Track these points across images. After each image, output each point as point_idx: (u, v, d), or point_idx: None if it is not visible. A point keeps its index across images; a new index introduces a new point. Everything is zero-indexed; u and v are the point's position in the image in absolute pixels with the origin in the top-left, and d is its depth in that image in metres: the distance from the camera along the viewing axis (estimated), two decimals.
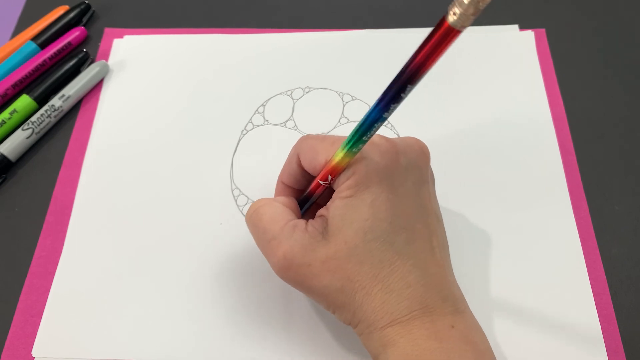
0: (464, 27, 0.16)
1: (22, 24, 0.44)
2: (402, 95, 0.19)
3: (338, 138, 0.25)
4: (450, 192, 0.34)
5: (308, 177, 0.27)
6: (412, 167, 0.25)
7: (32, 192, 0.36)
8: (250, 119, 0.38)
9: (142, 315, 0.31)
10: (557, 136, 0.36)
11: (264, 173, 0.36)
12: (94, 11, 0.44)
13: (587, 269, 0.31)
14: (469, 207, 0.34)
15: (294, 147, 0.27)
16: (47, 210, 0.35)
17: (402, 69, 0.19)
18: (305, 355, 0.29)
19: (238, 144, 0.37)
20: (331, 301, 0.24)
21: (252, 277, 0.32)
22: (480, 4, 0.15)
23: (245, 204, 0.34)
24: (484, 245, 0.32)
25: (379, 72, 0.40)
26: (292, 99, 0.39)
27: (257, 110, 0.38)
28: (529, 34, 0.41)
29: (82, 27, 0.43)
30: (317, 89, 0.39)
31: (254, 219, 0.27)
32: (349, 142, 0.23)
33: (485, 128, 0.37)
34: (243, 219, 0.34)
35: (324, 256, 0.24)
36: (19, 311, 0.31)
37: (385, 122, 0.37)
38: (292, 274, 0.25)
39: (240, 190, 0.35)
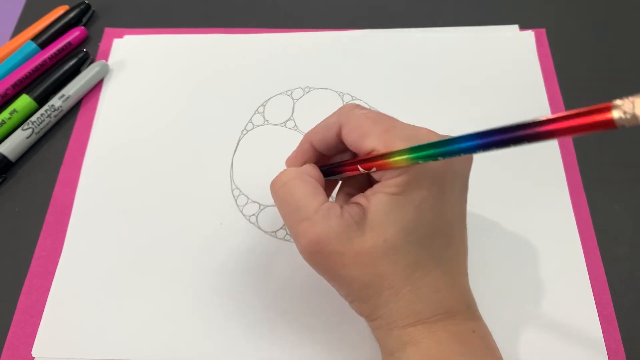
0: (621, 126, 0.14)
1: (22, 24, 0.44)
2: (512, 145, 0.18)
3: (392, 124, 0.24)
4: None
5: (342, 147, 0.26)
6: (460, 172, 0.25)
7: (32, 192, 0.36)
8: (251, 119, 0.38)
9: (142, 315, 0.31)
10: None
11: (264, 173, 0.35)
12: (94, 11, 0.44)
13: (587, 269, 0.31)
14: (468, 207, 0.34)
15: (336, 114, 0.26)
16: (47, 210, 0.35)
17: (528, 123, 0.17)
18: (307, 354, 0.29)
19: (238, 144, 0.37)
20: (354, 292, 0.24)
21: (252, 277, 0.32)
22: None
23: (245, 204, 0.34)
24: (484, 245, 0.32)
25: (379, 72, 0.40)
26: (292, 99, 0.39)
27: (257, 110, 0.38)
28: (529, 34, 0.41)
29: (82, 27, 0.43)
30: (317, 89, 0.39)
31: (284, 193, 0.25)
32: (418, 151, 0.21)
33: (484, 128, 0.37)
34: (243, 219, 0.34)
35: (358, 248, 0.23)
36: (19, 311, 0.31)
37: None
38: (320, 259, 0.24)
39: (240, 190, 0.35)
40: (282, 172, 0.26)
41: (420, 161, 0.21)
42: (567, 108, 0.37)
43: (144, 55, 0.42)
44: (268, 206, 0.34)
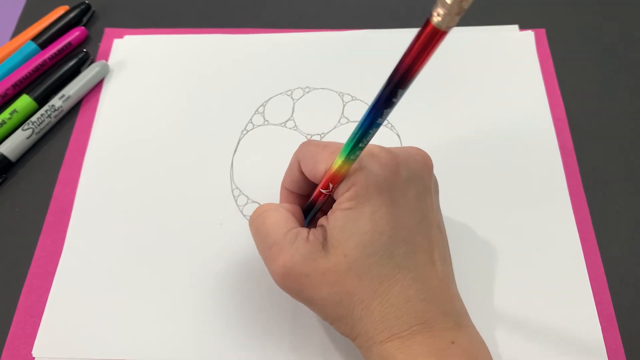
0: (449, 27, 0.16)
1: (22, 24, 0.44)
2: (394, 100, 0.19)
3: (338, 146, 0.25)
4: (450, 192, 0.34)
5: (311, 184, 0.27)
6: (413, 178, 0.25)
7: (32, 192, 0.36)
8: (251, 119, 0.38)
9: (142, 315, 0.31)
10: (557, 136, 0.36)
11: (264, 173, 0.36)
12: (94, 11, 0.44)
13: (587, 269, 0.31)
14: (468, 208, 0.34)
15: (295, 153, 0.27)
16: (47, 210, 0.35)
17: (392, 73, 0.19)
18: (307, 354, 0.29)
19: (238, 144, 0.37)
20: (329, 313, 0.24)
21: (253, 277, 0.32)
22: (464, 3, 0.15)
23: (245, 204, 0.34)
24: (484, 245, 0.32)
25: (379, 72, 0.39)
26: (292, 99, 0.39)
27: (257, 110, 0.38)
28: (529, 34, 0.41)
29: (82, 27, 0.43)
30: (317, 89, 0.39)
31: (258, 222, 0.26)
32: (345, 149, 0.22)
33: (484, 128, 0.37)
34: (243, 219, 0.34)
35: (323, 268, 0.23)
36: (19, 311, 0.31)
37: (385, 122, 0.37)
38: (290, 282, 0.24)
39: (240, 190, 0.35)
40: (259, 206, 0.27)
41: (351, 156, 0.22)
42: (567, 108, 0.37)
43: (144, 56, 0.42)
44: None
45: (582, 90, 0.39)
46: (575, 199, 0.34)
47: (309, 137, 0.37)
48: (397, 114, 0.37)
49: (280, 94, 0.39)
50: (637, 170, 0.35)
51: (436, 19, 0.16)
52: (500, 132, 0.37)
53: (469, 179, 0.35)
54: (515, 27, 0.42)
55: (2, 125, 0.37)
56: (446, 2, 0.15)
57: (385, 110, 0.20)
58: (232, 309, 0.31)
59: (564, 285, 0.31)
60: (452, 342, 0.23)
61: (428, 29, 0.16)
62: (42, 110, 0.38)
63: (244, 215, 0.34)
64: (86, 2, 0.44)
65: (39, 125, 0.37)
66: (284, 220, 0.25)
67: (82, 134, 0.38)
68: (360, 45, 0.41)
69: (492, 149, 0.36)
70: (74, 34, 0.42)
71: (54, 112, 0.38)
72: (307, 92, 0.39)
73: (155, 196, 0.35)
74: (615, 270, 0.32)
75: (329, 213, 0.25)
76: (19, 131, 0.37)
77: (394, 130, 0.37)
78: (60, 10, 0.44)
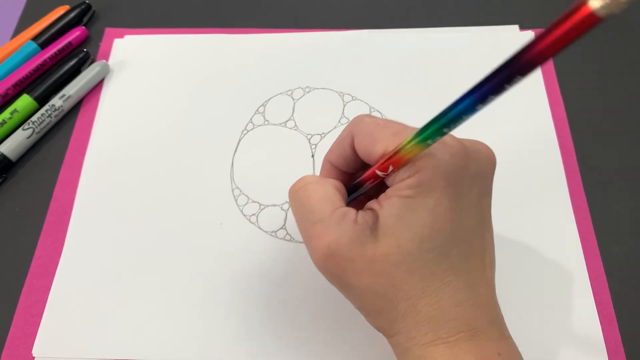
0: (610, 14, 0.13)
1: (23, 23, 0.44)
2: (507, 86, 0.16)
3: (402, 127, 0.23)
4: None
5: (359, 162, 0.25)
6: (479, 175, 0.23)
7: (33, 192, 0.36)
8: (251, 119, 0.38)
9: (142, 315, 0.31)
10: (558, 136, 0.36)
11: (264, 173, 0.36)
12: (94, 11, 0.44)
13: (587, 269, 0.31)
14: None
15: (348, 126, 0.25)
16: (47, 210, 0.35)
17: (514, 56, 0.15)
18: (307, 354, 0.29)
19: (238, 144, 0.37)
20: (367, 304, 0.23)
21: (252, 276, 0.32)
22: None
23: (246, 204, 0.34)
24: None
25: (379, 72, 0.40)
26: (293, 98, 0.39)
27: (257, 110, 0.38)
28: (529, 34, 0.41)
29: (83, 27, 0.43)
30: (317, 89, 0.39)
31: (301, 195, 0.24)
32: (424, 131, 0.20)
33: (484, 128, 0.37)
34: (243, 219, 0.34)
35: (371, 255, 0.21)
36: (19, 311, 0.31)
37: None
38: (332, 265, 0.22)
39: (240, 190, 0.35)
40: (302, 177, 0.25)
41: (428, 141, 0.20)
42: (567, 108, 0.37)
43: (145, 56, 0.42)
44: (268, 206, 0.34)
45: (582, 90, 0.39)
46: (575, 199, 0.34)
47: (309, 137, 0.37)
48: (396, 114, 0.38)
49: (281, 93, 0.39)
50: (637, 170, 0.35)
51: (597, 2, 0.12)
52: (501, 132, 0.37)
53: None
54: (516, 27, 0.42)
55: (2, 125, 0.37)
56: None
57: (491, 97, 0.17)
58: (232, 308, 0.31)
59: (564, 285, 0.31)
60: (499, 354, 0.21)
61: (582, 14, 0.13)
62: (42, 110, 0.38)
63: (244, 215, 0.34)
64: (86, 2, 0.44)
65: (39, 125, 0.37)
66: (331, 197, 0.23)
67: (82, 133, 0.38)
68: (360, 45, 0.41)
69: (492, 149, 0.36)
70: (75, 34, 0.42)
71: (54, 111, 0.38)
72: (308, 92, 0.39)
73: (156, 196, 0.35)
74: (615, 270, 0.32)
75: (381, 197, 0.23)
76: (20, 131, 0.37)
77: None
78: (61, 10, 0.44)
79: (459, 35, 0.41)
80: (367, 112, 0.38)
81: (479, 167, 0.23)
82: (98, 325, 0.31)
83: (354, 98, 0.38)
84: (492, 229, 0.25)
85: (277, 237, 0.33)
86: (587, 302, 0.30)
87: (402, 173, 0.22)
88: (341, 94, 0.39)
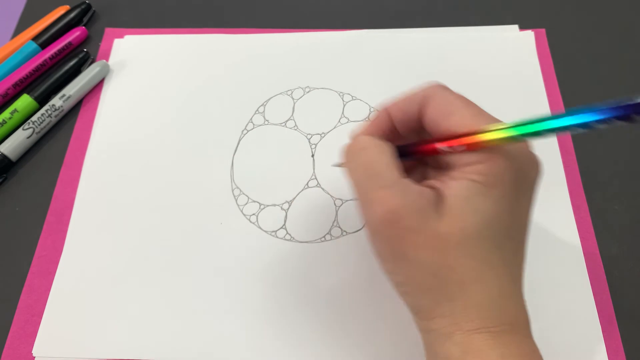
0: None
1: (23, 23, 0.44)
2: (637, 117, 0.16)
3: (481, 111, 0.23)
4: None
5: (418, 127, 0.24)
6: (535, 182, 0.24)
7: (33, 192, 0.36)
8: (251, 119, 0.38)
9: (142, 315, 0.31)
10: (557, 136, 0.36)
11: (264, 173, 0.36)
12: (94, 11, 0.44)
13: (587, 269, 0.31)
14: None
15: (424, 88, 0.24)
16: (47, 210, 0.35)
17: None
18: (306, 354, 0.29)
19: (238, 143, 0.37)
20: (416, 279, 0.22)
21: (252, 276, 0.32)
22: None
23: (246, 204, 0.34)
24: None
25: (379, 72, 0.40)
26: (293, 98, 0.39)
27: (257, 110, 0.38)
28: (529, 34, 0.41)
29: (83, 27, 0.43)
30: (317, 88, 0.39)
31: (365, 157, 0.23)
32: (523, 127, 0.20)
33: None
34: (243, 219, 0.34)
35: (433, 230, 0.21)
36: (19, 311, 0.31)
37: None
38: (392, 232, 0.22)
39: (240, 190, 0.35)
40: (360, 137, 0.24)
41: (524, 138, 0.20)
42: (567, 108, 0.37)
43: (145, 56, 0.42)
44: (268, 206, 0.34)
45: (582, 90, 0.39)
46: (575, 199, 0.34)
47: (309, 136, 0.37)
48: None
49: (281, 93, 0.39)
50: (637, 170, 0.35)
51: None
52: None
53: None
54: (515, 27, 0.42)
55: (2, 125, 0.37)
56: None
57: (617, 122, 0.17)
58: (232, 308, 0.31)
59: (564, 286, 0.31)
60: (534, 352, 0.22)
61: None
62: (42, 110, 0.38)
63: (244, 215, 0.34)
64: (87, 2, 0.44)
65: (39, 125, 0.37)
66: (395, 163, 0.23)
67: (82, 133, 0.38)
68: (360, 45, 0.41)
69: None
70: (75, 34, 0.42)
71: (54, 111, 0.38)
72: (307, 92, 0.39)
73: (156, 196, 0.35)
74: (615, 270, 0.32)
75: (445, 178, 0.22)
76: (20, 131, 0.37)
77: None
78: (61, 10, 0.44)
79: (459, 35, 0.41)
80: (367, 112, 0.38)
81: (536, 175, 0.23)
82: (98, 325, 0.31)
83: (354, 98, 0.38)
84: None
85: (277, 237, 0.33)
86: (587, 301, 0.30)
87: (474, 156, 0.22)
88: (341, 94, 0.39)
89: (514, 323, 0.22)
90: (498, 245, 0.22)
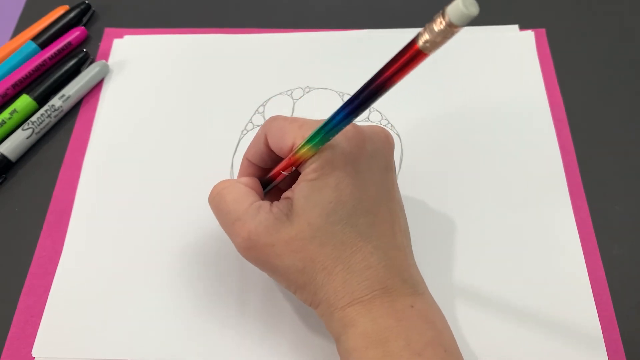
0: (432, 51, 0.17)
1: (22, 23, 0.44)
2: (369, 103, 0.20)
3: (305, 121, 0.26)
4: (450, 192, 0.34)
5: (274, 157, 0.28)
6: (377, 154, 0.26)
7: (32, 192, 0.36)
8: (251, 119, 0.38)
9: (142, 315, 0.31)
10: (557, 136, 0.36)
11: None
12: (94, 11, 0.44)
13: (587, 269, 0.31)
14: (468, 207, 0.34)
15: (262, 126, 0.27)
16: (47, 210, 0.35)
17: (371, 79, 0.20)
18: (306, 354, 0.29)
19: (238, 144, 0.37)
20: (292, 281, 0.25)
21: (253, 277, 0.32)
22: (449, 35, 0.16)
23: None
24: (484, 246, 0.32)
25: None
26: (292, 98, 0.39)
27: (257, 110, 0.38)
28: (529, 34, 0.41)
29: (82, 27, 0.43)
30: (317, 88, 0.39)
31: (217, 201, 0.27)
32: (312, 138, 0.23)
33: (485, 128, 0.37)
34: None
35: (287, 236, 0.24)
36: (19, 311, 0.31)
37: (386, 122, 0.37)
38: (255, 253, 0.25)
39: None
40: (216, 184, 0.28)
41: (319, 145, 0.23)
42: (567, 108, 0.37)
43: (144, 56, 0.42)
44: None
45: (582, 90, 0.39)
46: (575, 199, 0.34)
47: None
48: (396, 114, 0.38)
49: (280, 93, 0.39)
50: (637, 170, 0.35)
51: (422, 41, 0.17)
52: (501, 132, 0.37)
53: (469, 178, 0.35)
54: (515, 27, 0.42)
55: (2, 125, 0.37)
56: (433, 30, 0.16)
57: (359, 111, 0.21)
58: (232, 308, 0.31)
59: (564, 286, 0.31)
60: (411, 306, 0.24)
61: (412, 50, 0.18)
62: (42, 110, 0.38)
63: None
64: (86, 2, 0.44)
65: (39, 125, 0.37)
66: (244, 195, 0.26)
67: (82, 133, 0.38)
68: (360, 45, 0.41)
69: (492, 149, 0.36)
70: (74, 34, 0.42)
71: (54, 112, 0.38)
72: (307, 92, 0.39)
73: (155, 196, 0.35)
74: (615, 270, 0.32)
75: (294, 185, 0.25)
76: (19, 131, 0.37)
77: (394, 130, 0.37)
78: (60, 10, 0.44)
79: (459, 35, 0.41)
80: (367, 111, 0.38)
81: (375, 147, 0.26)
82: (98, 325, 0.31)
83: None
84: (399, 200, 0.27)
85: None
86: (587, 302, 0.30)
87: (309, 162, 0.24)
88: (341, 94, 0.39)
89: (386, 287, 0.24)
90: (350, 224, 0.24)
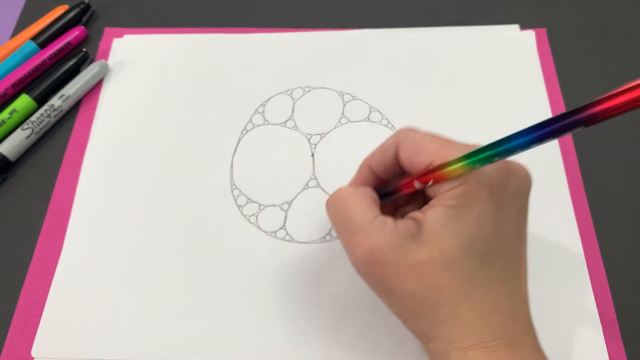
0: None
1: (22, 23, 0.44)
2: (569, 132, 0.18)
3: (448, 142, 0.24)
4: None
5: (398, 170, 0.26)
6: (519, 192, 0.25)
7: (32, 192, 0.36)
8: (250, 119, 0.38)
9: (142, 315, 0.31)
10: (557, 138, 0.36)
11: (264, 173, 0.36)
12: (93, 11, 0.44)
13: (588, 269, 0.31)
14: None
15: (394, 135, 0.26)
16: (46, 210, 0.35)
17: (580, 108, 0.17)
18: (306, 354, 0.29)
19: (238, 144, 0.37)
20: (408, 308, 0.23)
21: (252, 277, 0.32)
22: None
23: (245, 204, 0.34)
24: None
25: (379, 72, 0.40)
26: (292, 98, 0.39)
27: (257, 110, 0.38)
28: (530, 34, 0.41)
29: (82, 27, 0.43)
30: (317, 88, 0.39)
31: (339, 206, 0.25)
32: (474, 156, 0.21)
33: (485, 128, 0.37)
34: (243, 219, 0.34)
35: (415, 260, 0.22)
36: (18, 311, 0.31)
37: (386, 122, 0.37)
38: (374, 270, 0.23)
39: (240, 191, 0.35)
40: (337, 190, 0.26)
41: (477, 165, 0.21)
42: (568, 108, 0.37)
43: (144, 55, 0.41)
44: (268, 206, 0.34)
45: (583, 90, 0.38)
46: (575, 199, 0.34)
47: (309, 137, 0.37)
48: (396, 114, 0.37)
49: (280, 93, 0.39)
50: (637, 170, 0.35)
51: None
52: (501, 132, 0.36)
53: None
54: (516, 26, 0.41)
55: (1, 125, 0.37)
56: None
57: (550, 139, 0.19)
58: (232, 308, 0.31)
59: (564, 285, 0.31)
60: None
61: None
62: (41, 110, 0.38)
63: (244, 215, 0.34)
64: (86, 1, 0.43)
65: (38, 125, 0.37)
66: (368, 205, 0.25)
67: (81, 133, 0.38)
68: (360, 45, 0.41)
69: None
70: (74, 34, 0.42)
71: (53, 111, 0.38)
72: (307, 92, 0.39)
73: (155, 196, 0.35)
74: (615, 270, 0.32)
75: (425, 208, 0.24)
76: (19, 131, 0.37)
77: (394, 130, 0.37)
78: (60, 10, 0.44)
79: (459, 35, 0.41)
80: (367, 112, 0.38)
81: (518, 185, 0.24)
82: (97, 325, 0.31)
83: (354, 98, 0.38)
84: (526, 244, 0.25)
85: (276, 237, 0.33)
86: (587, 302, 0.30)
87: (448, 184, 0.23)
88: (341, 94, 0.39)
89: (511, 336, 0.22)
90: (485, 262, 0.23)
